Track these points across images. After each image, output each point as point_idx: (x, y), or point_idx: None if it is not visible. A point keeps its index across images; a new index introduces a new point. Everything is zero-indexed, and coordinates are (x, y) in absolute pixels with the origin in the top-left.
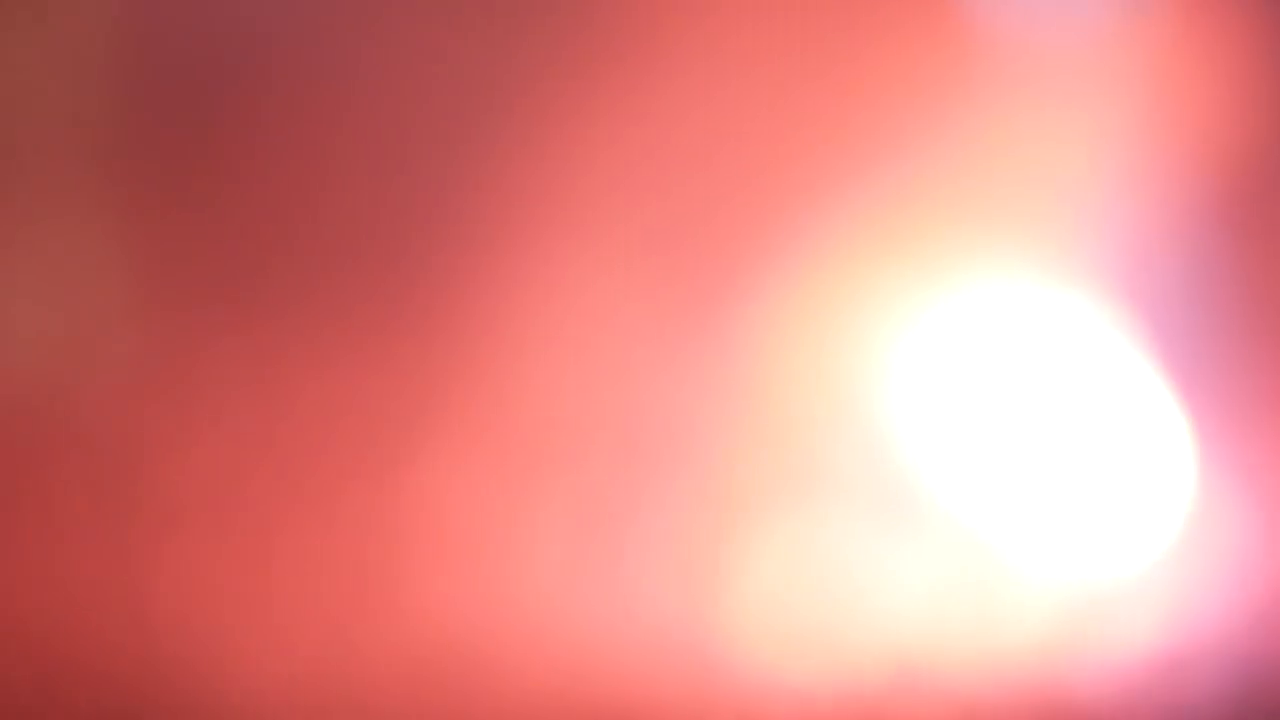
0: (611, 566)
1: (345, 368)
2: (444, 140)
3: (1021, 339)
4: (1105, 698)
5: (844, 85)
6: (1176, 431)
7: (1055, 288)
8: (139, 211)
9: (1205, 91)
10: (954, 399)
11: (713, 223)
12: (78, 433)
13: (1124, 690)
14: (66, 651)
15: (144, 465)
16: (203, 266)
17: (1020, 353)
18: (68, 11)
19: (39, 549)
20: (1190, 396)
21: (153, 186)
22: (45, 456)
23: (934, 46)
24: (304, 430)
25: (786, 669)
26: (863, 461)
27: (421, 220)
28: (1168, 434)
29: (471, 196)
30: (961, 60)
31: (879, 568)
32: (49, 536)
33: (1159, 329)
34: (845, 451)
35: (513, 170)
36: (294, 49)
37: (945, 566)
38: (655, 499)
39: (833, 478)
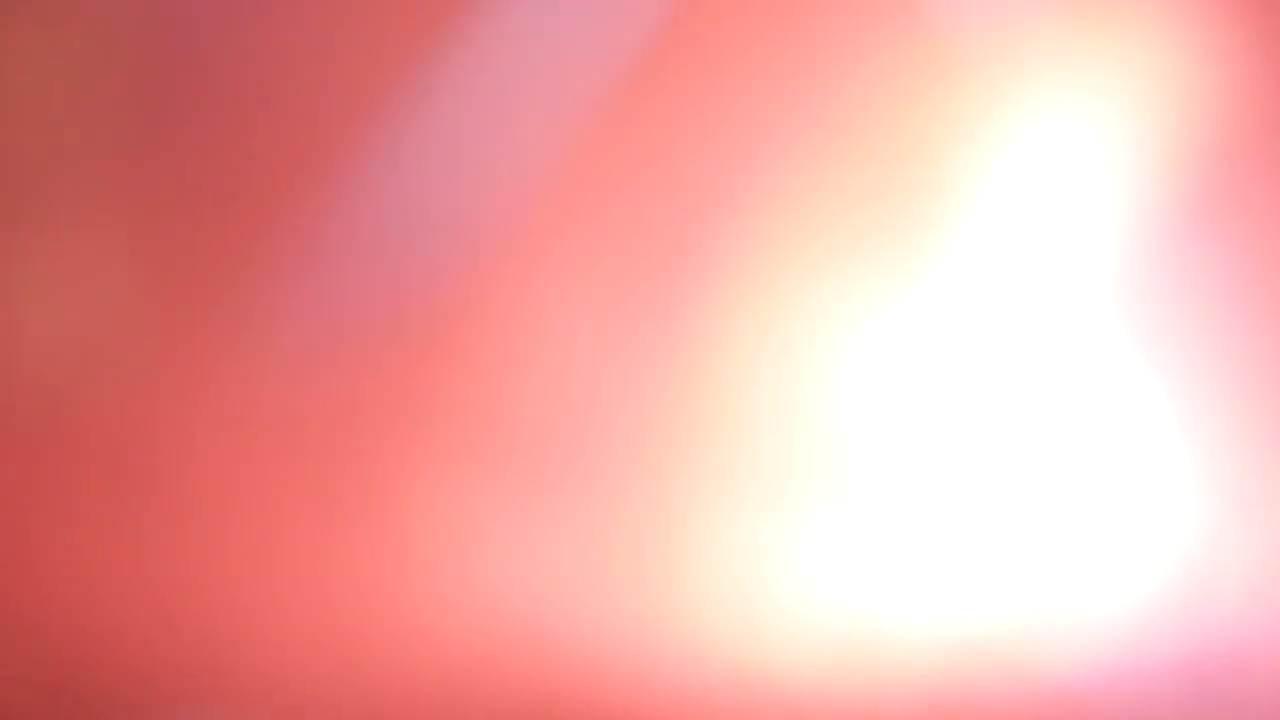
0: (581, 561)
1: (343, 367)
2: (434, 153)
3: (987, 336)
4: (1067, 687)
5: (805, 81)
6: (1131, 430)
7: (1025, 282)
8: (150, 213)
9: (1187, 82)
10: (912, 394)
11: (681, 224)
12: (95, 429)
13: (1088, 681)
14: (84, 643)
15: (159, 461)
16: (213, 269)
17: (984, 348)
18: (78, 19)
19: (57, 543)
20: (1163, 395)
21: (163, 190)
22: (63, 453)
23: (898, 42)
24: (311, 426)
25: (753, 662)
26: (823, 457)
27: (411, 231)
28: (1122, 432)
29: (458, 206)
30: (927, 54)
31: (841, 561)
32: (67, 531)
33: (1136, 329)
34: (807, 446)
35: (495, 176)
36: (299, 59)
37: (902, 558)
38: (624, 493)
39: (797, 472)
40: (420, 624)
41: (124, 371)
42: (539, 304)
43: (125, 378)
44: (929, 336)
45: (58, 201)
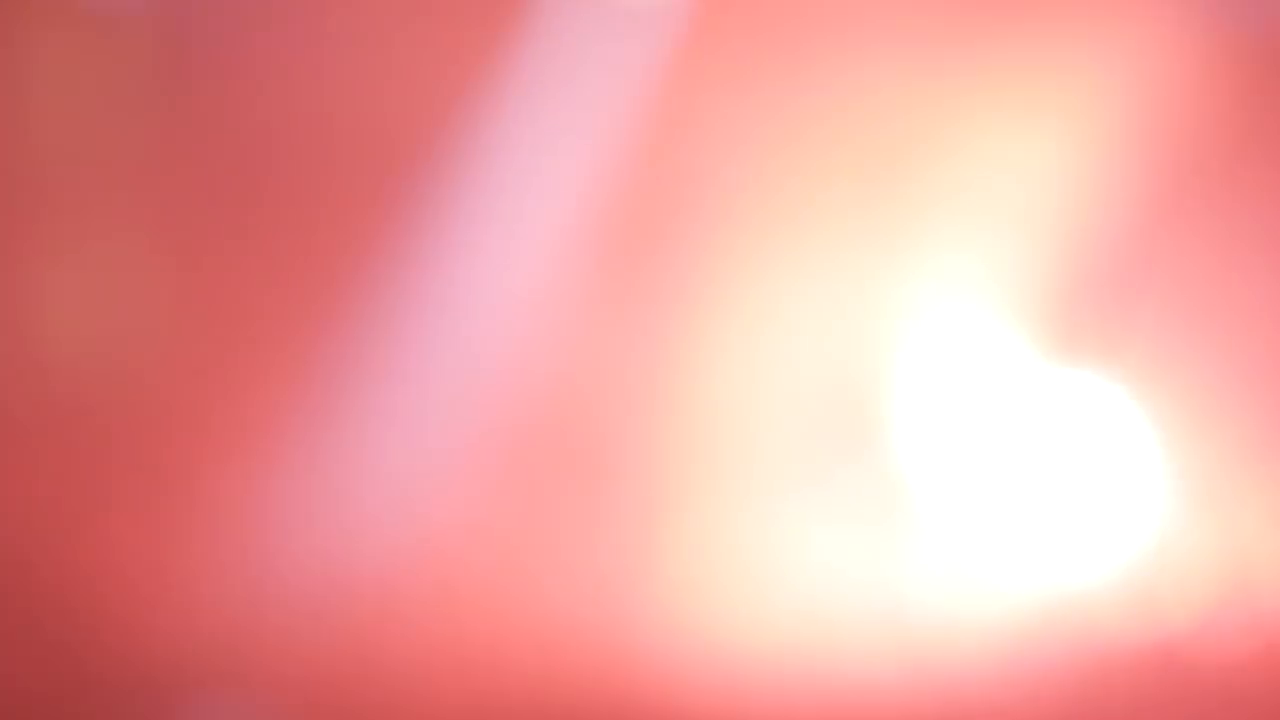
0: (573, 550)
1: (357, 364)
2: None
3: (965, 327)
4: (1034, 673)
5: (794, 80)
6: (1136, 432)
7: (999, 277)
8: (177, 212)
9: (1158, 86)
10: (889, 386)
11: (672, 219)
12: (119, 421)
13: (1056, 667)
14: (108, 630)
15: (183, 452)
16: (238, 267)
17: (963, 341)
18: (115, 21)
19: (83, 533)
20: (1145, 394)
21: (191, 190)
22: (89, 445)
23: (884, 40)
24: (325, 423)
25: (742, 647)
26: (808, 444)
27: (419, 233)
28: (1126, 434)
29: (469, 210)
30: (911, 50)
31: (827, 547)
32: (93, 520)
33: (1117, 329)
34: (792, 434)
35: (496, 177)
36: (325, 69)
37: (883, 544)
38: (613, 483)
39: (783, 458)
40: (426, 613)
41: (148, 365)
42: (528, 303)
43: (150, 371)
44: (910, 328)
45: (87, 200)
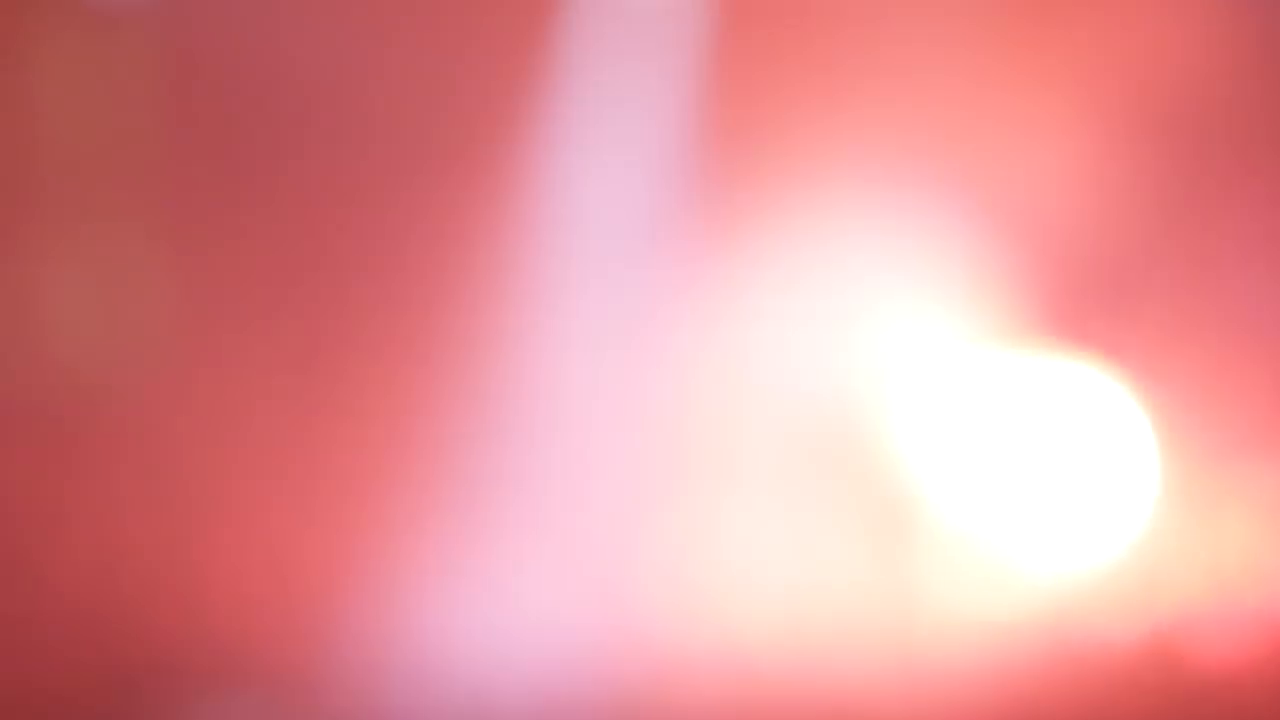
0: (553, 557)
1: (363, 369)
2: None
3: (968, 334)
4: (1015, 666)
5: (787, 84)
6: (1134, 426)
7: (1000, 292)
8: (184, 223)
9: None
10: (890, 389)
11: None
12: (127, 422)
13: (1042, 661)
14: (116, 623)
15: (189, 453)
16: (243, 273)
17: (965, 346)
18: (133, 30)
19: (91, 530)
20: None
21: (198, 200)
22: (97, 444)
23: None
24: (331, 424)
25: (732, 646)
26: (801, 454)
27: (427, 245)
28: (1122, 427)
29: (467, 223)
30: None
31: (813, 557)
32: (101, 518)
33: (1118, 326)
34: (783, 444)
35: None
36: (326, 79)
37: (874, 555)
38: (597, 488)
39: (769, 470)
40: (418, 612)
41: (156, 367)
42: (522, 312)
43: (157, 373)
44: (905, 328)
45: (97, 207)
